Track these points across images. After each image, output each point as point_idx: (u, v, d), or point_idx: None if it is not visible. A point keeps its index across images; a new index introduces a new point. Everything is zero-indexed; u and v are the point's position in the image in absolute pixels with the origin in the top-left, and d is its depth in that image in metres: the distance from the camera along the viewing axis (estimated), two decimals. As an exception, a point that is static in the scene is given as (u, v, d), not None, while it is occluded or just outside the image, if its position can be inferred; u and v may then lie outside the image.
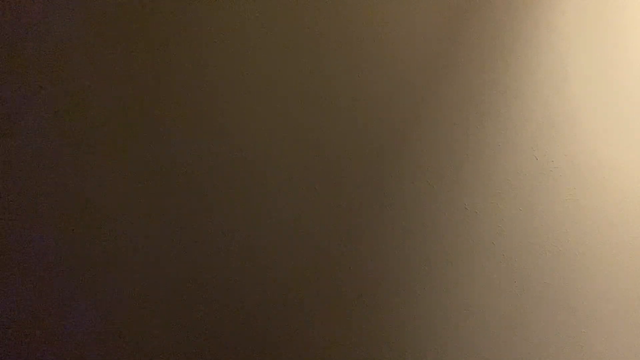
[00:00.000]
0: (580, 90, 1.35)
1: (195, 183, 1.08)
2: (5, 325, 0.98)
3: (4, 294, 0.98)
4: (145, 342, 1.06)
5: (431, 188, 1.24)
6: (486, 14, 1.27)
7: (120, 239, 1.04)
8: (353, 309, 1.18)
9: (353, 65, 1.17)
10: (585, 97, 1.35)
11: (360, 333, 1.18)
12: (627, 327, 1.40)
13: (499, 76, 1.28)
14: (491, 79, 1.28)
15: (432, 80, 1.23)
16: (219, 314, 1.10)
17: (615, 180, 1.38)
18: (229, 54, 1.09)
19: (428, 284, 1.24)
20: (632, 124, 1.39)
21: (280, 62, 1.12)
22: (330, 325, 1.16)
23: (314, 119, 1.15)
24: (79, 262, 1.02)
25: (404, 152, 1.22)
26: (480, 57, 1.27)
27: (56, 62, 0.99)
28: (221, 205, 1.10)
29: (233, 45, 1.09)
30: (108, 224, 1.03)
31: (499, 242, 1.29)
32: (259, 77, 1.11)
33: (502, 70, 1.29)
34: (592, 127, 1.36)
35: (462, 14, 1.25)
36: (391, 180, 1.21)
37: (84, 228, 1.02)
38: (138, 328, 1.05)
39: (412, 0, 1.21)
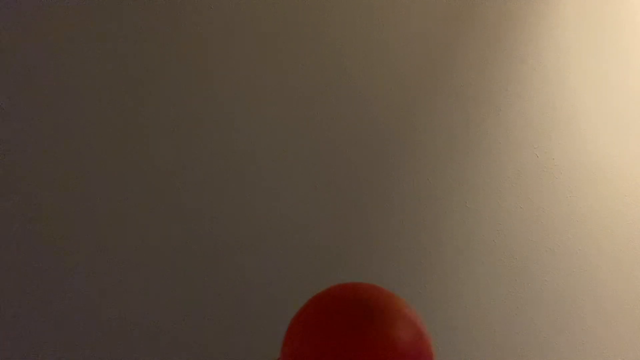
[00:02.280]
0: (581, 89, 1.35)
1: (195, 182, 1.08)
2: (4, 325, 0.98)
3: (3, 294, 0.98)
4: (143, 342, 1.06)
5: (431, 186, 1.24)
6: (486, 14, 1.27)
7: (119, 240, 1.04)
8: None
9: (353, 64, 1.17)
10: (585, 95, 1.35)
11: (360, 331, 1.18)
12: (628, 325, 1.40)
13: (499, 74, 1.28)
14: (492, 77, 1.28)
15: (432, 79, 1.23)
16: (218, 315, 1.10)
17: (616, 178, 1.38)
18: (228, 52, 1.09)
19: (428, 282, 1.24)
20: (632, 122, 1.39)
21: (279, 62, 1.12)
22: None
23: (312, 118, 1.15)
24: (77, 261, 1.02)
25: (404, 151, 1.22)
26: (482, 56, 1.27)
27: (54, 60, 0.99)
28: (221, 205, 1.10)
29: (232, 44, 1.10)
30: (106, 225, 1.03)
31: (500, 239, 1.29)
32: (258, 77, 1.11)
33: (503, 69, 1.28)
34: (592, 125, 1.36)
35: (462, 14, 1.25)
36: (391, 178, 1.21)
37: (83, 227, 1.02)
38: (135, 328, 1.05)
39: (412, 0, 1.21)
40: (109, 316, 1.03)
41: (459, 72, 1.25)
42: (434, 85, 1.23)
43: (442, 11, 1.23)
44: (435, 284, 1.24)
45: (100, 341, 1.03)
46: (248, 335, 1.11)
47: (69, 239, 1.01)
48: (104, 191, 1.03)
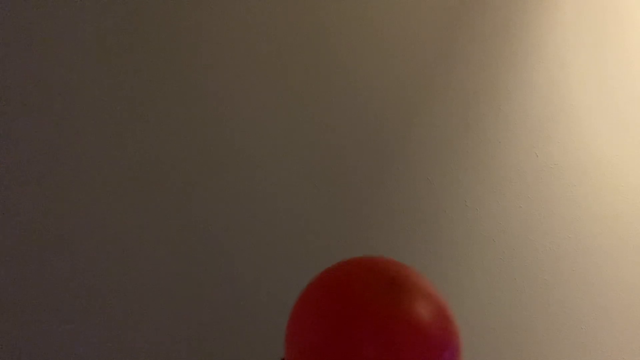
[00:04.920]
0: (580, 88, 1.35)
1: (194, 181, 1.08)
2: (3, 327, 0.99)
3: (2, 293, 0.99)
4: (143, 342, 1.06)
5: (431, 185, 1.24)
6: (486, 13, 1.27)
7: (117, 239, 1.04)
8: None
9: (352, 63, 1.18)
10: (585, 94, 1.35)
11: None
12: (628, 324, 1.39)
13: (499, 73, 1.28)
14: (492, 76, 1.28)
15: (432, 78, 1.24)
16: (218, 315, 1.10)
17: (615, 177, 1.38)
18: (228, 52, 1.10)
19: (428, 281, 1.24)
20: (631, 120, 1.39)
21: (279, 61, 1.13)
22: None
23: (312, 116, 1.16)
24: (77, 260, 1.03)
25: (403, 149, 1.22)
26: (481, 55, 1.27)
27: (53, 59, 1.00)
28: (220, 204, 1.10)
29: (233, 43, 1.10)
30: (106, 223, 1.04)
31: (499, 239, 1.29)
32: (258, 75, 1.12)
33: (503, 68, 1.29)
34: (592, 124, 1.36)
35: (462, 12, 1.25)
36: (391, 177, 1.21)
37: (81, 226, 1.03)
38: (135, 327, 1.06)
39: (412, 0, 1.22)
40: (108, 314, 1.04)
41: (459, 71, 1.25)
42: (434, 85, 1.24)
43: (442, 11, 1.24)
44: (435, 283, 1.24)
45: (100, 340, 1.04)
46: (247, 334, 1.12)
47: (68, 238, 1.02)
48: (102, 190, 1.03)
